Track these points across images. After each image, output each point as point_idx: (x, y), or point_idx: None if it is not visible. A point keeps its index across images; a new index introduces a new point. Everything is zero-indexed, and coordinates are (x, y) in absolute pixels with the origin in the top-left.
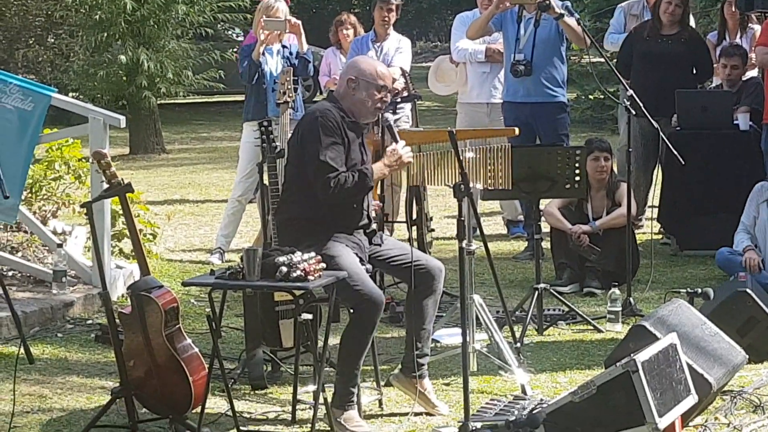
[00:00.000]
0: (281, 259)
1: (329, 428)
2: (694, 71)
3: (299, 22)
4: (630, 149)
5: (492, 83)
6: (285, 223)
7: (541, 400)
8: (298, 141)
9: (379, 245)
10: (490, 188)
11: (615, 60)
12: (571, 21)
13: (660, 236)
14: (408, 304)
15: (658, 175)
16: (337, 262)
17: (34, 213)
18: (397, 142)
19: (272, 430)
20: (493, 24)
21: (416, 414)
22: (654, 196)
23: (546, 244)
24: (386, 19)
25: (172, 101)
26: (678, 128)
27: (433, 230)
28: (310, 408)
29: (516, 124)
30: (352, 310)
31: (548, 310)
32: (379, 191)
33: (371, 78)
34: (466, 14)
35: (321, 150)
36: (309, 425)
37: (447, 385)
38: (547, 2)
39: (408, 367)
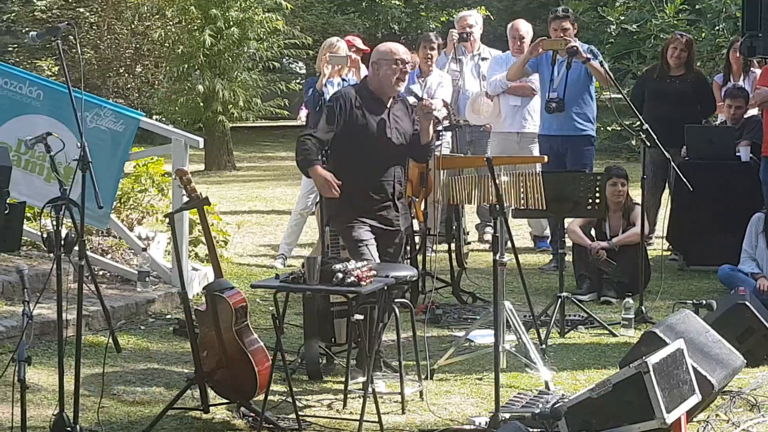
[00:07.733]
0: (338, 266)
1: (376, 417)
2: (699, 107)
3: (358, 57)
4: (645, 176)
5: (522, 115)
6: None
7: (563, 395)
8: None
9: None
10: (521, 208)
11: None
12: (595, 64)
13: (669, 252)
14: None
15: (665, 198)
16: None
17: (122, 220)
18: None
19: (326, 415)
20: (530, 67)
21: (452, 404)
22: (665, 217)
23: (568, 258)
24: (429, 56)
25: (243, 125)
26: (687, 158)
27: (469, 243)
28: (359, 397)
29: (549, 154)
30: None
31: (570, 315)
32: (423, 207)
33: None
34: (500, 56)
35: None
36: (359, 412)
37: (480, 379)
38: (575, 48)
39: None
